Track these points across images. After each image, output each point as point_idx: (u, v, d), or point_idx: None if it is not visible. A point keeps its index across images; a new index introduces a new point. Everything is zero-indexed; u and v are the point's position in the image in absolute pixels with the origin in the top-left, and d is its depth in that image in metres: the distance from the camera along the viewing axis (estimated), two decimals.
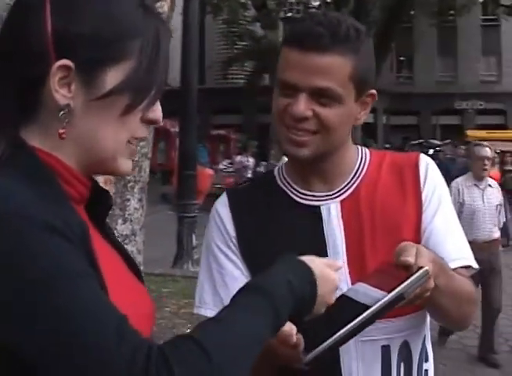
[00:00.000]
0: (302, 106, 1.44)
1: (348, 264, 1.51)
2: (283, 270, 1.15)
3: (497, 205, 6.60)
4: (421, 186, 1.57)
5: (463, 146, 11.87)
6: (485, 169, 6.50)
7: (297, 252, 1.49)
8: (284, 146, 1.51)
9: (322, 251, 1.49)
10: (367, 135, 26.62)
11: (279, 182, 1.62)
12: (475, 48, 39.05)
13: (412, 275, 1.24)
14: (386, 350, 1.49)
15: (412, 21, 34.89)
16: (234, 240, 1.57)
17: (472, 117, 38.76)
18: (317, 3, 30.94)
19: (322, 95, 1.44)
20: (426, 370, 1.57)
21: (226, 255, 1.56)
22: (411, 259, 1.27)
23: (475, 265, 1.55)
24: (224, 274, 1.55)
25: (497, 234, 6.60)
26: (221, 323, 1.00)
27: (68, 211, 1.01)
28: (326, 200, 1.56)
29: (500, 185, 7.48)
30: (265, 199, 1.61)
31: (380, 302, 1.19)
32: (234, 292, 1.47)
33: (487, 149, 6.67)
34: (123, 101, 1.06)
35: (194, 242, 10.07)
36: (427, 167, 1.59)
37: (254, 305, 1.05)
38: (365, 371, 1.47)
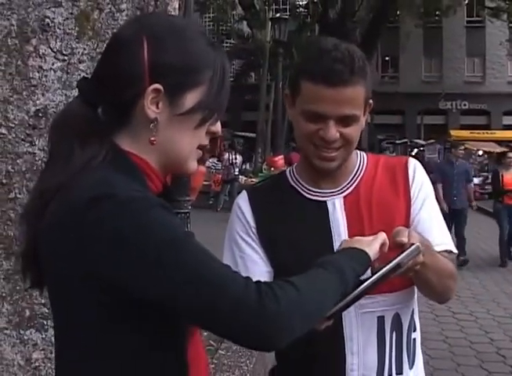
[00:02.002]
0: (333, 131, 1.73)
1: None
2: (344, 253, 1.51)
3: None
4: (410, 184, 1.86)
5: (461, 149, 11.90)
6: None
7: (308, 239, 1.80)
8: (315, 161, 1.80)
9: (328, 239, 1.80)
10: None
11: (291, 181, 1.92)
12: (460, 49, 39.42)
13: (406, 249, 1.53)
14: (381, 320, 1.78)
15: (398, 22, 35.21)
16: (254, 230, 1.85)
17: (456, 117, 39.21)
18: (304, 2, 31.19)
19: (346, 120, 1.74)
20: (414, 339, 1.88)
21: (247, 242, 1.85)
22: (405, 239, 1.57)
23: (455, 250, 1.85)
24: (245, 258, 1.84)
25: None
26: (304, 274, 1.36)
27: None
28: (331, 196, 1.86)
29: None
30: (279, 196, 1.90)
31: (383, 269, 1.48)
32: (255, 274, 1.78)
33: None
34: (197, 117, 1.37)
35: None
36: (415, 168, 1.89)
37: (327, 270, 1.39)
38: (364, 337, 1.77)
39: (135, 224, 1.20)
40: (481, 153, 26.66)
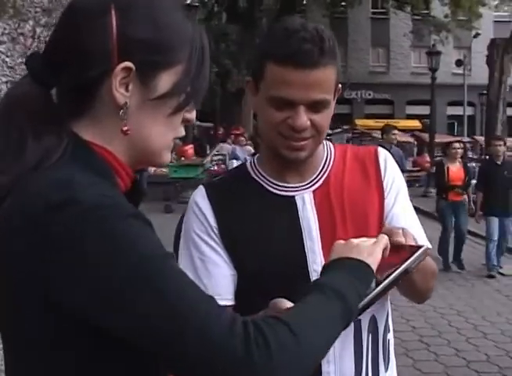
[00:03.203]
0: (304, 118, 1.56)
1: (322, 247, 1.63)
2: (343, 269, 1.23)
3: None
4: (382, 176, 1.72)
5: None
6: None
7: (276, 238, 1.63)
8: (283, 152, 1.62)
9: (298, 237, 1.63)
10: None
11: (253, 175, 1.73)
12: (365, 40, 40.15)
13: (415, 252, 1.37)
14: (358, 323, 1.63)
15: (305, 12, 35.48)
16: (215, 230, 1.65)
17: (361, 106, 39.90)
18: None
19: (317, 105, 1.57)
20: (388, 340, 1.75)
21: (207, 243, 1.65)
22: (402, 240, 1.43)
23: (430, 246, 1.71)
24: (206, 261, 1.64)
25: None
26: (299, 308, 1.11)
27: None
28: (299, 190, 1.69)
29: None
30: (241, 191, 1.71)
31: (391, 276, 1.32)
32: (217, 277, 1.61)
33: None
34: (173, 102, 1.15)
35: None
36: (386, 159, 1.75)
37: (326, 298, 1.13)
38: (340, 344, 1.60)
39: (102, 239, 0.98)
40: None
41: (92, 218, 0.99)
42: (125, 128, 1.12)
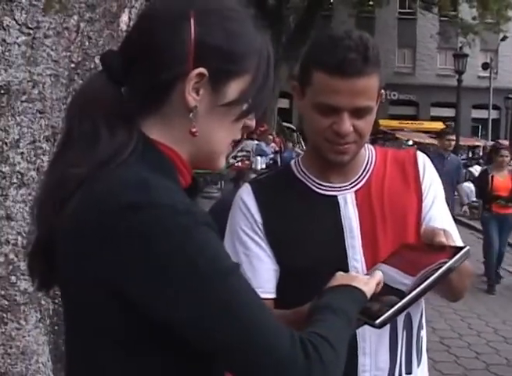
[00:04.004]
0: (348, 124, 1.62)
1: (363, 246, 1.70)
2: (346, 293, 1.33)
3: None
4: (421, 179, 1.78)
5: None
6: None
7: (318, 236, 1.69)
8: (328, 155, 1.69)
9: (340, 235, 1.71)
10: (283, 119, 26.94)
11: (297, 174, 1.80)
12: (391, 40, 39.94)
13: (457, 253, 1.43)
14: (394, 320, 1.68)
15: (332, 10, 35.41)
16: (260, 226, 1.72)
17: (385, 107, 39.77)
18: None
19: (360, 112, 1.63)
20: (421, 337, 1.81)
21: (253, 239, 1.72)
22: (444, 240, 1.49)
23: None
24: (250, 256, 1.71)
25: None
26: (328, 327, 1.18)
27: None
28: (342, 190, 1.75)
29: None
30: (286, 189, 1.78)
31: (435, 275, 1.38)
32: (260, 272, 1.69)
33: None
34: (238, 109, 1.20)
35: None
36: (425, 163, 1.82)
37: (340, 319, 1.23)
38: (376, 338, 1.68)
39: (180, 245, 1.04)
40: (411, 143, 27.03)
41: (167, 222, 1.04)
42: (194, 130, 1.17)
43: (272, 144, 18.95)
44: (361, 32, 1.65)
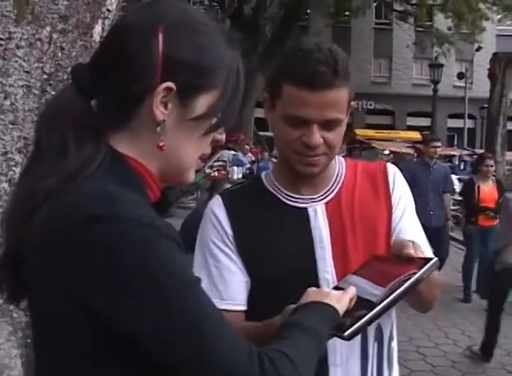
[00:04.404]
0: (317, 136, 1.64)
1: (333, 257, 1.72)
2: (318, 311, 1.33)
3: None
4: (391, 190, 1.80)
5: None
6: None
7: (288, 247, 1.70)
8: (297, 167, 1.71)
9: (310, 247, 1.72)
10: (260, 128, 26.95)
11: (268, 186, 1.81)
12: (367, 50, 40.15)
13: (426, 264, 1.44)
14: (364, 331, 1.68)
15: (308, 20, 35.53)
16: (231, 238, 1.73)
17: (362, 116, 39.95)
18: None
19: (329, 124, 1.65)
20: (393, 348, 1.83)
21: (223, 251, 1.72)
22: (413, 252, 1.51)
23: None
24: (221, 268, 1.71)
25: None
26: (293, 344, 1.19)
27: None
28: (312, 202, 1.77)
29: None
30: (256, 201, 1.79)
31: (403, 286, 1.39)
32: (231, 284, 1.69)
33: None
34: (207, 123, 1.22)
35: None
36: (395, 175, 1.83)
37: (309, 337, 1.24)
38: (347, 349, 1.69)
39: (143, 258, 1.04)
40: (387, 152, 27.16)
41: (131, 235, 1.05)
42: (161, 144, 1.17)
43: (249, 154, 18.96)
44: (331, 45, 1.67)
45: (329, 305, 1.33)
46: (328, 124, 1.64)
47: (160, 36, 1.16)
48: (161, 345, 1.06)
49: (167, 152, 1.19)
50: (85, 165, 1.12)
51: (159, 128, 1.17)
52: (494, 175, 9.22)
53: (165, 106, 1.16)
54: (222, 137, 1.30)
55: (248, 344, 1.10)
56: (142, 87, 1.15)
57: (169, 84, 1.15)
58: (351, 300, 1.39)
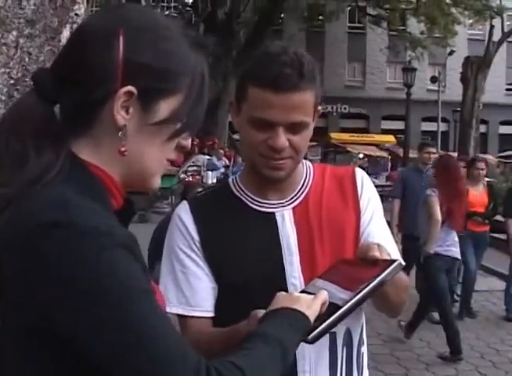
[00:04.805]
0: (283, 139, 1.62)
1: (301, 262, 1.70)
2: (285, 318, 1.30)
3: None
4: (359, 195, 1.79)
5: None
6: None
7: (255, 253, 1.69)
8: (263, 170, 1.69)
9: (277, 252, 1.71)
10: (234, 132, 26.97)
11: (234, 191, 1.79)
12: (341, 54, 40.34)
13: (389, 266, 1.44)
14: (333, 337, 1.69)
15: (282, 25, 35.59)
16: (198, 244, 1.71)
17: (336, 120, 40.10)
18: (191, 0, 31.04)
19: (295, 127, 1.63)
20: (362, 353, 1.81)
21: (189, 257, 1.71)
22: (378, 254, 1.51)
23: (403, 263, 1.78)
24: (187, 274, 1.70)
25: None
26: (250, 355, 1.16)
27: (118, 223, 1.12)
28: (279, 207, 1.75)
29: None
30: (223, 206, 1.77)
31: (367, 288, 1.39)
32: (198, 290, 1.67)
33: None
34: (170, 129, 1.19)
35: None
36: (363, 179, 1.82)
37: (271, 348, 1.20)
38: (315, 355, 1.67)
39: (92, 265, 1.02)
40: (361, 156, 27.31)
41: (85, 242, 1.02)
42: (123, 149, 1.15)
43: (224, 158, 18.93)
44: (297, 48, 1.66)
45: (298, 311, 1.31)
46: (294, 127, 1.63)
47: (121, 39, 1.14)
48: (109, 357, 1.03)
49: (129, 157, 1.17)
50: (45, 171, 1.10)
51: (120, 133, 1.14)
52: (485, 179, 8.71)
53: (126, 111, 1.14)
54: (187, 143, 1.28)
55: (197, 357, 1.07)
56: (102, 91, 1.13)
57: (130, 88, 1.13)
58: (323, 304, 1.37)
